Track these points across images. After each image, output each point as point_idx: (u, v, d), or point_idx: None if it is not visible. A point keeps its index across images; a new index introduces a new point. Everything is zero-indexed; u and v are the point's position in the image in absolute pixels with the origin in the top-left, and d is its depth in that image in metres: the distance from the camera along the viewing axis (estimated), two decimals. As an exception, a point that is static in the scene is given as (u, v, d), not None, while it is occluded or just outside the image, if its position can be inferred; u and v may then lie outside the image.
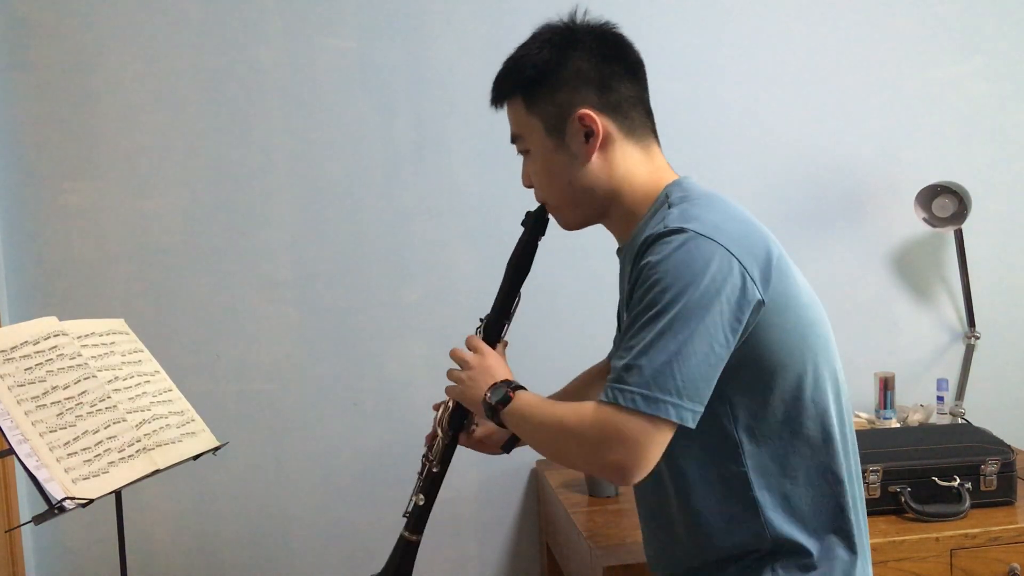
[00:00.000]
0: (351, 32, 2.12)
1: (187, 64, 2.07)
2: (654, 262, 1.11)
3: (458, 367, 1.34)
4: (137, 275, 2.09)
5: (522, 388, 1.26)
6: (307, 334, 2.17)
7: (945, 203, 2.22)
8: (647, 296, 1.11)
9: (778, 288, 1.14)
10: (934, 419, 2.21)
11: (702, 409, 1.10)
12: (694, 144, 2.19)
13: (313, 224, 2.15)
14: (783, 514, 1.19)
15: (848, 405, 1.27)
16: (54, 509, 1.27)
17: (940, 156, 2.34)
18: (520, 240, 1.36)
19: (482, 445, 1.47)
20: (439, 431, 1.39)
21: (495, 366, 1.30)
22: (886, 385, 2.21)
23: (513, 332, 1.40)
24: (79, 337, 1.47)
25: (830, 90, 2.30)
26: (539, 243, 1.36)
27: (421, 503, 1.37)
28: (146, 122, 2.07)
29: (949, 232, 2.29)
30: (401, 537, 1.39)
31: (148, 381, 1.53)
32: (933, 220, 2.25)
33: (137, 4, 2.04)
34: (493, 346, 1.36)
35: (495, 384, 1.26)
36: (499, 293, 1.38)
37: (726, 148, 2.26)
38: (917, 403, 2.28)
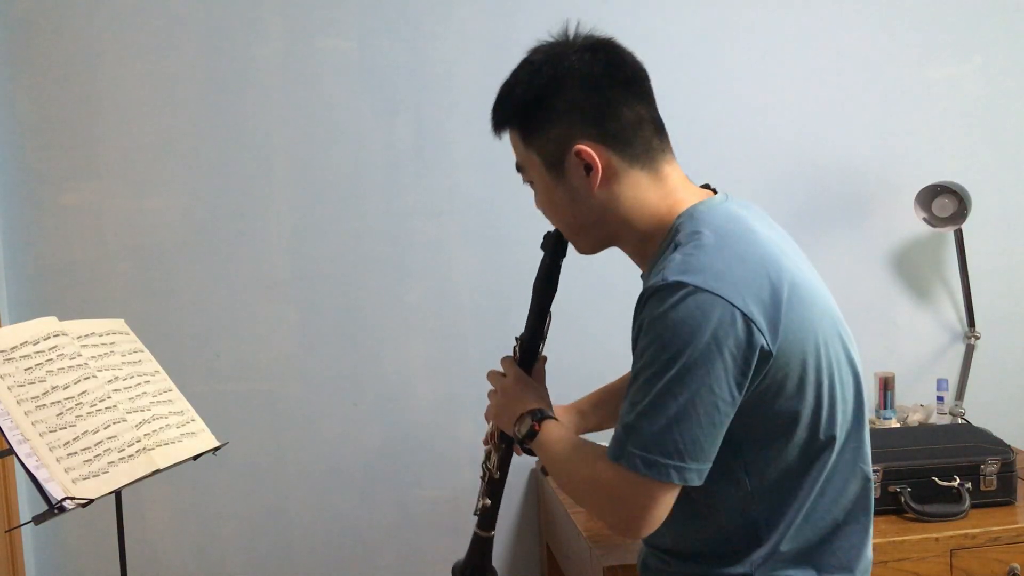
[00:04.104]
0: (351, 32, 2.12)
1: (187, 64, 2.07)
2: (652, 318, 1.06)
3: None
4: (137, 275, 2.09)
5: (550, 417, 1.26)
6: (307, 334, 2.17)
7: (945, 203, 2.22)
8: (647, 352, 1.07)
9: (788, 334, 1.07)
10: (934, 419, 2.21)
11: (708, 465, 1.07)
12: (694, 144, 2.16)
13: (313, 224, 2.15)
14: (776, 559, 1.16)
15: (867, 455, 1.21)
16: (54, 509, 1.27)
17: (940, 156, 2.34)
18: (542, 263, 1.34)
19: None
20: (492, 447, 1.41)
21: (523, 392, 1.31)
22: (886, 385, 2.21)
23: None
24: (79, 337, 1.47)
25: (830, 90, 2.30)
26: (561, 263, 1.33)
27: (488, 504, 1.41)
28: (146, 122, 2.07)
29: (949, 232, 2.29)
30: (475, 535, 1.43)
31: (148, 381, 1.53)
32: (933, 220, 2.25)
33: (137, 4, 2.04)
34: (531, 365, 1.36)
35: (522, 415, 1.27)
36: (529, 314, 1.36)
37: (726, 148, 2.26)
38: (917, 403, 2.28)
